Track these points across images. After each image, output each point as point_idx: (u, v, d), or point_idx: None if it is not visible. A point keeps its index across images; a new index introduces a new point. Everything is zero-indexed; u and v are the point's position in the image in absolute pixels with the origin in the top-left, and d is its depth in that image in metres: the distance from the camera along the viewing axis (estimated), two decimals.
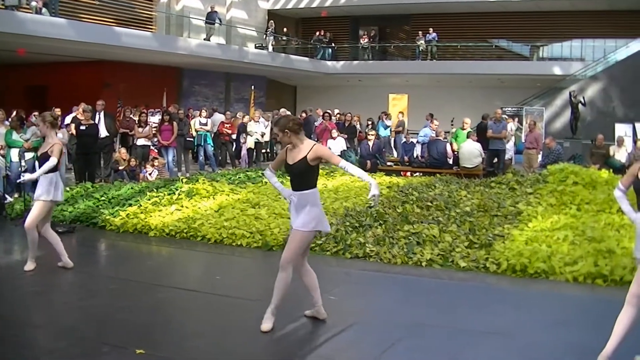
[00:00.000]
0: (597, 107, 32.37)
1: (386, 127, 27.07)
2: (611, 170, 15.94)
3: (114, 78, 30.24)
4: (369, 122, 26.27)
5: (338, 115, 27.72)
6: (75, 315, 7.52)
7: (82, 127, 17.17)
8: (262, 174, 11.15)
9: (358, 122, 27.08)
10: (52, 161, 9.14)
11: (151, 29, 33.69)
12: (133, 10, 33.51)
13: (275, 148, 27.22)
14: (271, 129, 24.30)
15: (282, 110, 26.95)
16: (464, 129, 22.08)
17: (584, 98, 29.20)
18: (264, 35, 38.55)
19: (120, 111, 22.27)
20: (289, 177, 7.13)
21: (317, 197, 6.95)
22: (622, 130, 26.18)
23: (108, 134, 19.18)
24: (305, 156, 6.79)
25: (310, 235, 6.90)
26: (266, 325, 6.82)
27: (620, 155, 21.39)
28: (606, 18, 38.59)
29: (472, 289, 9.12)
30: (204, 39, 34.01)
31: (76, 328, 7.04)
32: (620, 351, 5.80)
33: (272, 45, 38.13)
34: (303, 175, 6.89)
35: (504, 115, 26.17)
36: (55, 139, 9.38)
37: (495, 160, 21.44)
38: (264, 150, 26.30)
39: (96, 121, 18.40)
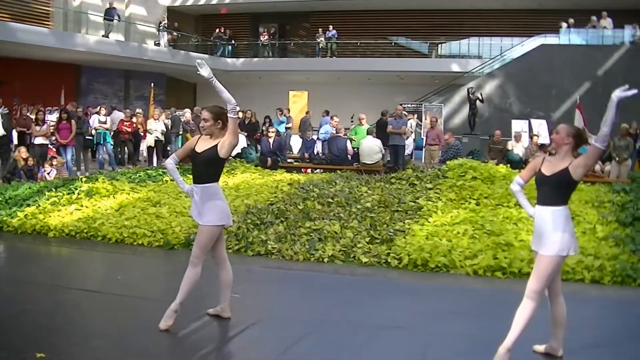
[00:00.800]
0: (494, 104, 32.94)
1: (280, 123, 27.00)
2: (509, 165, 16.21)
3: (9, 75, 29.51)
4: (266, 120, 26.24)
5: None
6: None
7: None
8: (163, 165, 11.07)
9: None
10: None
11: (48, 24, 32.97)
12: (28, 5, 32.72)
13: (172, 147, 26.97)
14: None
15: (196, 109, 26.71)
16: (362, 125, 22.20)
17: (481, 95, 29.58)
18: (157, 31, 37.95)
19: (17, 109, 21.76)
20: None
21: (220, 191, 6.87)
22: (518, 126, 26.67)
23: (4, 133, 18.72)
24: (217, 144, 6.72)
25: (218, 230, 6.81)
26: (165, 322, 6.71)
27: (518, 150, 21.82)
28: (503, 17, 39.51)
29: (374, 284, 9.17)
30: (103, 36, 33.44)
31: None
32: (520, 342, 5.88)
33: (167, 41, 37.58)
34: (209, 166, 6.79)
35: (404, 112, 26.43)
36: None
37: (396, 155, 21.64)
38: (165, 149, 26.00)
39: None
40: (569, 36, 34.04)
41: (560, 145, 6.02)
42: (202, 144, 6.82)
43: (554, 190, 5.92)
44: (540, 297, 5.87)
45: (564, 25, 34.77)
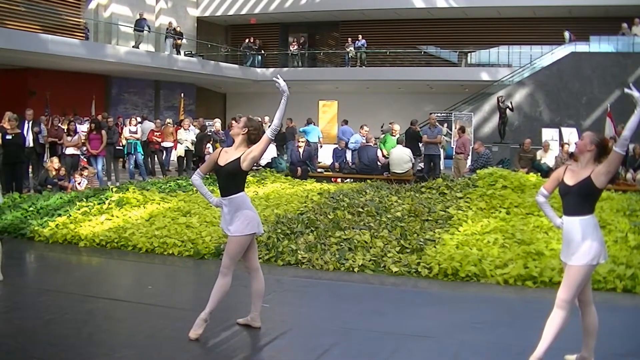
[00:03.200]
0: (524, 112, 32.84)
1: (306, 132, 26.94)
2: (539, 174, 16.12)
3: (41, 86, 29.79)
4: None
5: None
6: (1, 329, 7.34)
7: (8, 137, 16.78)
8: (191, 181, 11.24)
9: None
10: None
11: (79, 36, 33.27)
12: (60, 17, 33.02)
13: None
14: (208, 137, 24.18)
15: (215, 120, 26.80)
16: (394, 135, 22.20)
17: (511, 103, 29.53)
18: (164, 38, 37.63)
19: (48, 120, 21.94)
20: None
21: (247, 200, 6.91)
22: (548, 134, 26.61)
23: (38, 143, 18.90)
24: (239, 157, 6.75)
25: (247, 239, 6.84)
26: (195, 332, 6.74)
27: (547, 159, 21.69)
28: (531, 25, 39.34)
29: (404, 294, 9.16)
30: (133, 47, 33.68)
31: (2, 342, 6.86)
32: (551, 352, 5.85)
33: (172, 47, 37.13)
34: (233, 178, 6.82)
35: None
36: None
37: (432, 164, 21.64)
38: (194, 158, 26.07)
39: (24, 131, 18.07)
40: (599, 44, 33.82)
41: (582, 152, 5.95)
42: (225, 157, 6.86)
43: (579, 199, 5.88)
44: (570, 307, 5.82)
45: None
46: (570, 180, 5.95)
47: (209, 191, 7.04)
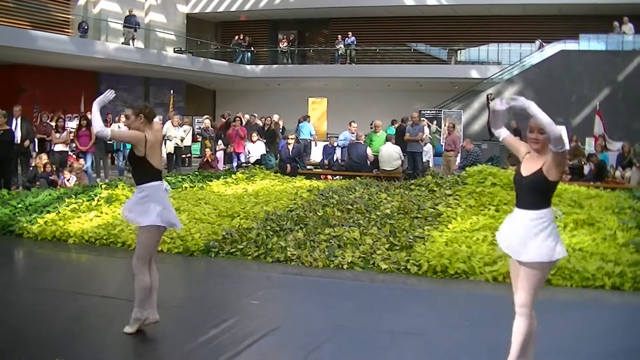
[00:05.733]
0: (514, 110, 32.84)
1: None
2: None
3: (30, 82, 29.71)
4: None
5: (251, 118, 27.63)
6: None
7: None
8: None
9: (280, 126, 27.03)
10: None
11: (68, 32, 33.14)
12: (49, 13, 32.91)
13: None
14: (194, 134, 24.20)
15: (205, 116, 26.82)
16: (377, 132, 22.19)
17: None
18: (130, 31, 35.42)
19: (37, 116, 21.88)
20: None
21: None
22: None
23: (26, 140, 18.81)
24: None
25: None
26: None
27: None
28: (521, 23, 39.38)
29: (394, 291, 9.17)
30: (122, 43, 33.57)
31: None
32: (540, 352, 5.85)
33: (139, 42, 36.14)
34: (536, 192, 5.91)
35: (422, 119, 26.40)
36: None
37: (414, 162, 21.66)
38: (183, 155, 26.04)
39: (12, 127, 17.99)
40: (589, 42, 33.90)
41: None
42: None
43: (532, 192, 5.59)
44: (531, 311, 5.51)
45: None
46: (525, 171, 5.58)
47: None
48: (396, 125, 24.79)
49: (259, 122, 26.76)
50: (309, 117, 28.41)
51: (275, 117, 27.10)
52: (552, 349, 6.19)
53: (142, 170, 6.91)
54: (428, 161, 24.63)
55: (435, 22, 41.28)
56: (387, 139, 20.80)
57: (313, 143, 26.76)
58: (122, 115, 23.30)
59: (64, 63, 31.17)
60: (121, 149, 22.74)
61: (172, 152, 23.55)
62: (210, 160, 22.68)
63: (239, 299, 7.84)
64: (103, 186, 15.23)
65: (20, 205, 13.73)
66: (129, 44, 33.84)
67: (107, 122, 23.55)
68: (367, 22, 42.48)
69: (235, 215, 12.99)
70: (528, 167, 5.52)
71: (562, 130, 5.82)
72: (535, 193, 5.51)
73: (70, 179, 17.72)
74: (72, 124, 23.76)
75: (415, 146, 21.50)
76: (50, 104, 27.34)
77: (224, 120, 26.96)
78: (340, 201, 13.35)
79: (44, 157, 18.57)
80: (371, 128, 23.91)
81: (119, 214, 12.99)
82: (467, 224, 11.88)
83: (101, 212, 13.24)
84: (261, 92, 42.83)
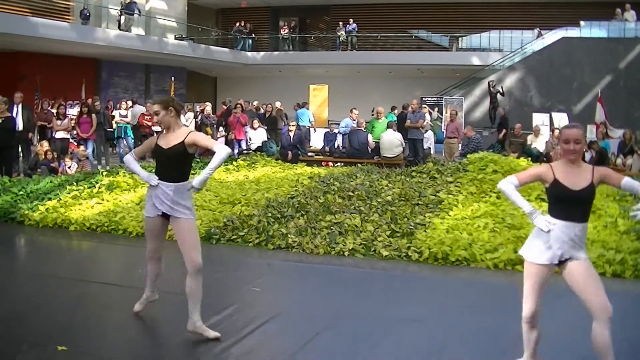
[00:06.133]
0: (515, 97, 32.82)
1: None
2: (529, 158, 16.14)
3: (31, 70, 29.65)
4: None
5: (254, 105, 27.63)
6: None
7: None
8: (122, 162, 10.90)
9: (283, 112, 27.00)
10: None
11: (69, 19, 33.06)
12: (50, 0, 32.81)
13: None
14: (197, 121, 24.16)
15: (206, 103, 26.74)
16: (379, 119, 22.19)
17: (502, 88, 29.59)
18: (132, 18, 34.96)
19: (38, 103, 21.83)
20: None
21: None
22: (539, 119, 26.62)
23: (26, 127, 18.77)
24: (183, 141, 6.44)
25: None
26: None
27: (538, 144, 21.73)
28: (523, 10, 39.33)
29: (395, 278, 9.17)
30: (122, 29, 33.46)
31: None
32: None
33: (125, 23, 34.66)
34: (180, 163, 6.57)
35: (424, 106, 26.42)
36: None
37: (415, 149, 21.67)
38: None
39: (13, 114, 17.94)
40: (590, 29, 33.80)
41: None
42: (166, 140, 6.58)
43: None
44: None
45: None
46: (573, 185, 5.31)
47: (142, 169, 6.88)
48: (397, 112, 24.80)
49: (253, 108, 26.68)
50: (306, 103, 28.30)
51: (278, 104, 27.11)
52: (553, 337, 6.18)
53: (189, 166, 6.73)
54: (429, 148, 24.63)
55: (436, 8, 41.26)
56: (389, 126, 20.79)
57: (312, 130, 26.68)
58: (137, 105, 23.33)
59: (65, 50, 31.10)
60: (122, 136, 22.71)
61: None
62: None
63: (240, 286, 7.85)
64: (104, 173, 15.24)
65: (21, 193, 13.74)
66: (129, 31, 33.71)
67: (108, 109, 23.54)
68: (368, 9, 42.43)
69: (236, 202, 13.00)
70: (574, 182, 5.32)
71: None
72: (588, 205, 5.45)
73: (71, 166, 17.70)
74: (73, 111, 23.71)
75: (416, 133, 21.51)
76: (51, 91, 27.26)
77: (224, 107, 26.95)
78: (341, 188, 13.35)
79: (45, 145, 18.54)
80: (372, 115, 23.90)
81: (120, 200, 13.05)
82: (468, 211, 11.88)
83: (102, 199, 13.26)
84: (262, 79, 42.79)
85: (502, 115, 26.18)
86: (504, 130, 23.88)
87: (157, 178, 6.53)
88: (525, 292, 5.52)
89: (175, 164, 6.53)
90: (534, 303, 5.47)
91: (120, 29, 33.30)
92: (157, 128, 24.07)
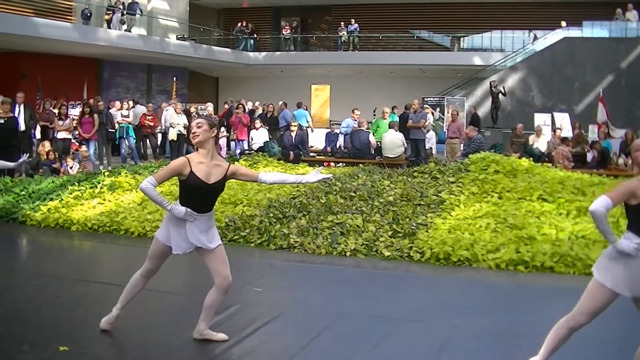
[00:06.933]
0: (517, 97, 32.83)
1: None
2: (531, 158, 16.14)
3: (32, 70, 29.66)
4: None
5: (256, 106, 27.68)
6: None
7: (0, 121, 16.65)
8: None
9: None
10: None
11: (70, 19, 33.06)
12: (51, 0, 32.80)
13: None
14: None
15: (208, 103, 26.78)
16: (385, 119, 22.20)
17: (504, 88, 29.57)
18: (134, 18, 34.92)
19: (40, 103, 21.85)
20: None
21: None
22: (541, 119, 26.62)
23: (27, 127, 18.79)
24: (225, 174, 6.17)
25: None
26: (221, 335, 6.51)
27: (540, 144, 21.73)
28: (525, 10, 39.34)
29: (396, 278, 9.18)
30: (125, 30, 33.48)
31: None
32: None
33: (118, 23, 34.01)
34: (219, 194, 6.38)
35: (426, 106, 26.42)
36: None
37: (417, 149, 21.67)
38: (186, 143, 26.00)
39: (15, 114, 17.96)
40: (592, 29, 33.78)
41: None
42: (206, 171, 6.12)
43: None
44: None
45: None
46: None
47: (167, 201, 6.22)
48: (398, 113, 24.79)
49: (249, 107, 26.71)
50: (301, 103, 28.17)
51: (257, 104, 27.14)
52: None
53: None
54: (431, 148, 24.62)
55: (438, 9, 41.26)
56: (390, 126, 20.80)
57: (309, 130, 26.57)
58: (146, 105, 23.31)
59: (67, 50, 31.08)
60: (124, 137, 22.73)
61: (176, 139, 23.52)
62: None
63: (242, 286, 7.84)
64: (106, 173, 15.24)
65: (23, 193, 13.76)
66: (130, 31, 33.72)
67: (109, 108, 23.54)
68: (369, 9, 42.43)
69: (238, 203, 13.00)
70: None
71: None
72: None
73: (73, 167, 17.72)
74: (74, 112, 23.73)
75: (417, 133, 21.51)
76: (52, 91, 27.26)
77: (226, 107, 26.96)
78: (343, 188, 13.35)
79: (47, 145, 18.57)
80: (374, 115, 23.93)
81: (122, 201, 13.05)
82: (470, 211, 11.88)
83: (104, 200, 13.26)
84: (264, 79, 42.80)
85: (472, 113, 26.55)
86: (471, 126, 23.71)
87: (195, 212, 6.11)
88: (587, 308, 5.35)
89: (216, 197, 6.33)
90: (589, 319, 5.36)
91: (109, 28, 32.96)
92: (157, 128, 24.15)
